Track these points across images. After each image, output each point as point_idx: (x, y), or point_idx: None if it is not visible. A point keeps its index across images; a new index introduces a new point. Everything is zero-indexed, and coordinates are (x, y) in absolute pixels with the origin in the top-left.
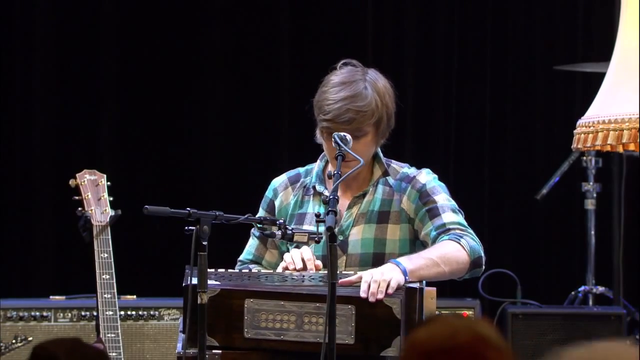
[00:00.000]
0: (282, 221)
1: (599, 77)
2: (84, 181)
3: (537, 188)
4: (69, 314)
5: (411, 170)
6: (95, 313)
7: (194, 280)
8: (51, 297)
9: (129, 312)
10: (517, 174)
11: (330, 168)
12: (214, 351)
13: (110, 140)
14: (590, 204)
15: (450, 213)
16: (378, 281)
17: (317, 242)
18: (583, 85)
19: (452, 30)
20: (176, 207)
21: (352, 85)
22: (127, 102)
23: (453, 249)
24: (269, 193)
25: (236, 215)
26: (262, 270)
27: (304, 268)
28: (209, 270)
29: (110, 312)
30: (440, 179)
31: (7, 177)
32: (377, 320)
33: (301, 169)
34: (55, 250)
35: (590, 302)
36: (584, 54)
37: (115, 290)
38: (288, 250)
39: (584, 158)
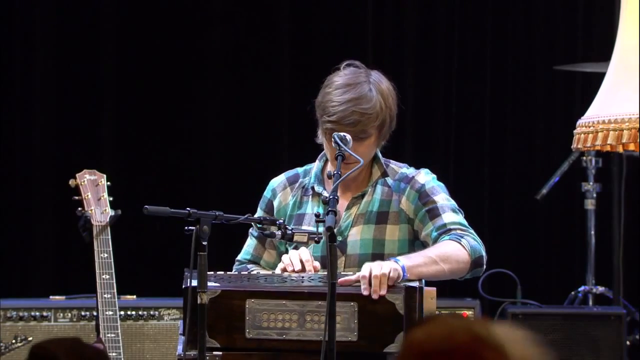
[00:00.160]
0: (282, 221)
1: (599, 77)
2: (84, 181)
3: (537, 188)
4: (69, 314)
5: (410, 171)
6: (95, 313)
7: (194, 283)
8: (51, 297)
9: (129, 312)
10: (517, 174)
11: (329, 168)
12: (214, 353)
13: (110, 140)
14: (590, 204)
15: (450, 213)
16: (378, 276)
17: (317, 242)
18: (583, 85)
19: (452, 30)
20: (176, 207)
21: (357, 88)
22: (127, 102)
23: (453, 248)
24: (267, 193)
25: (236, 215)
26: (262, 272)
27: (303, 269)
28: (208, 272)
29: (110, 312)
30: (440, 179)
31: (7, 177)
32: (379, 317)
33: (300, 169)
34: (55, 250)
35: (590, 302)
36: (584, 54)
37: (115, 290)
38: (287, 251)
39: (584, 158)
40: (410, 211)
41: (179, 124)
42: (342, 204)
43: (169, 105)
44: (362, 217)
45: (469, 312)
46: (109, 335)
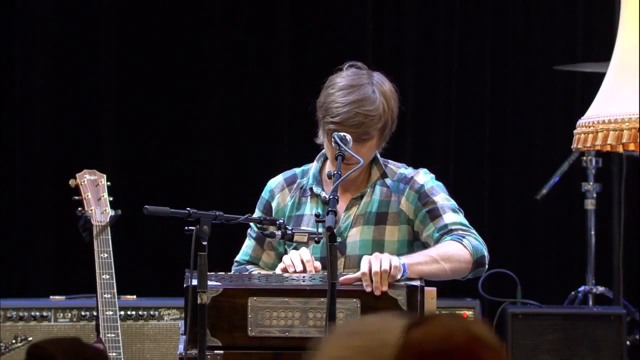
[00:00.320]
0: (281, 221)
1: (599, 77)
2: (84, 181)
3: (537, 188)
4: (69, 314)
5: (408, 171)
6: (95, 313)
7: (194, 282)
8: (51, 297)
9: (129, 312)
10: (517, 174)
11: (328, 168)
12: (216, 351)
13: (110, 140)
14: (590, 204)
15: (451, 213)
16: (378, 273)
17: (317, 242)
18: (583, 85)
19: (452, 30)
20: (176, 207)
21: (361, 89)
22: (127, 102)
23: (455, 248)
24: (265, 194)
25: (236, 215)
26: (262, 272)
27: (304, 270)
28: (208, 273)
29: (110, 312)
30: (440, 179)
31: (7, 177)
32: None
33: (297, 170)
34: (55, 250)
35: (590, 302)
36: (584, 54)
37: (115, 290)
38: (285, 252)
39: (584, 158)
40: (410, 212)
41: (179, 124)
42: (341, 205)
43: (169, 105)
44: (361, 217)
45: (469, 312)
46: (109, 335)
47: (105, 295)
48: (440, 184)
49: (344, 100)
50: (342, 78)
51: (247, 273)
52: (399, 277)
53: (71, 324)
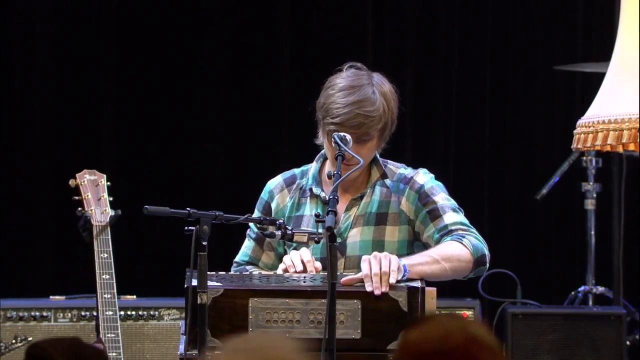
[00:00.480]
0: (281, 221)
1: (599, 77)
2: (84, 181)
3: (537, 188)
4: (69, 314)
5: (408, 171)
6: (95, 313)
7: (194, 282)
8: (51, 297)
9: (128, 312)
10: (517, 174)
11: (328, 169)
12: (217, 352)
13: (110, 140)
14: (590, 204)
15: (451, 213)
16: (378, 274)
17: (317, 242)
18: (583, 85)
19: (452, 30)
20: (176, 207)
21: (361, 90)
22: (127, 102)
23: (455, 247)
24: (264, 195)
25: (236, 215)
26: (263, 272)
27: (304, 270)
28: (209, 273)
29: (110, 312)
30: (440, 179)
31: (7, 177)
32: (383, 314)
33: (296, 170)
34: (55, 250)
35: (590, 302)
36: (584, 54)
37: (115, 290)
38: (285, 252)
39: (584, 158)
40: (410, 212)
41: (179, 124)
42: (341, 206)
43: (168, 105)
44: (361, 218)
45: (469, 312)
46: (109, 335)
47: (105, 295)
48: (440, 183)
49: (344, 101)
50: (342, 79)
51: (247, 273)
52: (399, 277)
53: (71, 324)
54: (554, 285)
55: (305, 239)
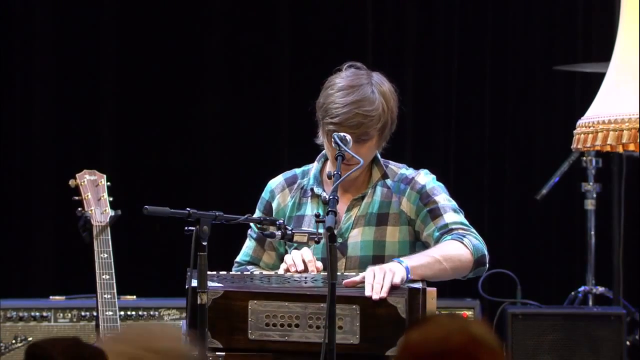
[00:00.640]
0: (281, 221)
1: (599, 77)
2: (84, 181)
3: (537, 188)
4: (69, 314)
5: (409, 172)
6: (95, 313)
7: (194, 283)
8: (51, 297)
9: (128, 312)
10: (517, 174)
11: (328, 169)
12: (217, 353)
13: (110, 140)
14: (590, 204)
15: (452, 213)
16: (380, 279)
17: (317, 242)
18: (583, 85)
19: (452, 30)
20: (176, 207)
21: (360, 90)
22: (127, 102)
23: (456, 247)
24: (265, 195)
25: (236, 215)
26: (264, 272)
27: (305, 269)
28: (210, 272)
29: (110, 313)
30: (440, 179)
31: (7, 177)
32: (381, 320)
33: (297, 170)
34: (55, 250)
35: (590, 302)
36: (584, 54)
37: (115, 290)
38: (286, 252)
39: (584, 158)
40: (411, 212)
41: (179, 124)
42: (342, 206)
43: (168, 105)
44: (362, 218)
45: (469, 313)
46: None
47: (105, 296)
48: (441, 184)
49: (343, 101)
50: (342, 79)
51: (248, 273)
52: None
53: (71, 324)
54: (554, 285)
55: (305, 239)
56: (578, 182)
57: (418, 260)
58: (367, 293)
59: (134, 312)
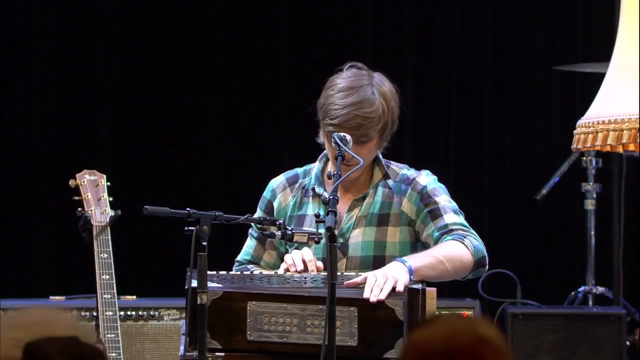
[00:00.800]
0: (281, 221)
1: (599, 77)
2: (84, 181)
3: (537, 188)
4: (69, 315)
5: (410, 172)
6: (95, 313)
7: (194, 283)
8: (51, 297)
9: (128, 313)
10: (517, 174)
11: (330, 169)
12: (216, 354)
13: (110, 140)
14: (590, 204)
15: (452, 214)
16: (381, 283)
17: (317, 242)
18: (583, 85)
19: (452, 30)
20: (176, 207)
21: (360, 91)
22: (127, 102)
23: (457, 248)
24: (266, 194)
25: (236, 215)
26: (264, 272)
27: (305, 269)
28: (210, 272)
29: (110, 313)
30: (440, 179)
31: (7, 177)
32: (379, 322)
33: (299, 170)
34: (55, 250)
35: (590, 302)
36: (584, 54)
37: (115, 290)
38: (287, 251)
39: (584, 158)
40: (412, 213)
41: (179, 123)
42: (344, 206)
43: (169, 105)
44: (363, 219)
45: (468, 313)
46: (108, 335)
47: (105, 296)
48: (442, 185)
49: (342, 102)
50: (342, 79)
51: (248, 273)
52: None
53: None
54: (554, 286)
55: (305, 239)
56: (578, 182)
57: (421, 260)
58: (366, 295)
59: (133, 312)
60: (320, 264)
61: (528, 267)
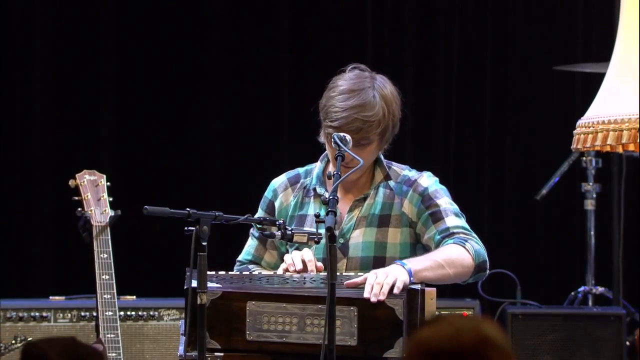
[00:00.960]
0: (281, 222)
1: (599, 77)
2: (84, 181)
3: (537, 188)
4: (69, 315)
5: (412, 174)
6: (95, 313)
7: (194, 283)
8: (51, 297)
9: (128, 313)
10: (517, 174)
11: (330, 169)
12: (216, 354)
13: (110, 140)
14: (590, 204)
15: (453, 217)
16: (381, 282)
17: (317, 242)
18: (583, 85)
19: (452, 30)
20: (176, 207)
21: (361, 94)
22: (127, 102)
23: (458, 252)
24: (268, 194)
25: (236, 215)
26: (263, 272)
27: (305, 269)
28: (210, 272)
29: (110, 313)
30: (440, 179)
31: (7, 177)
32: (379, 322)
33: (300, 170)
34: (55, 250)
35: (590, 303)
36: (584, 54)
37: (115, 290)
38: (287, 251)
39: (584, 158)
40: (412, 214)
41: (179, 124)
42: (344, 207)
43: (168, 105)
44: (364, 219)
45: (468, 313)
46: (108, 335)
47: (105, 296)
48: (443, 187)
49: (343, 105)
50: (344, 81)
51: (247, 273)
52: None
53: (71, 325)
54: (554, 286)
55: (305, 239)
56: (578, 182)
57: (421, 263)
58: (366, 295)
59: (133, 312)
60: (320, 265)
61: (528, 267)
